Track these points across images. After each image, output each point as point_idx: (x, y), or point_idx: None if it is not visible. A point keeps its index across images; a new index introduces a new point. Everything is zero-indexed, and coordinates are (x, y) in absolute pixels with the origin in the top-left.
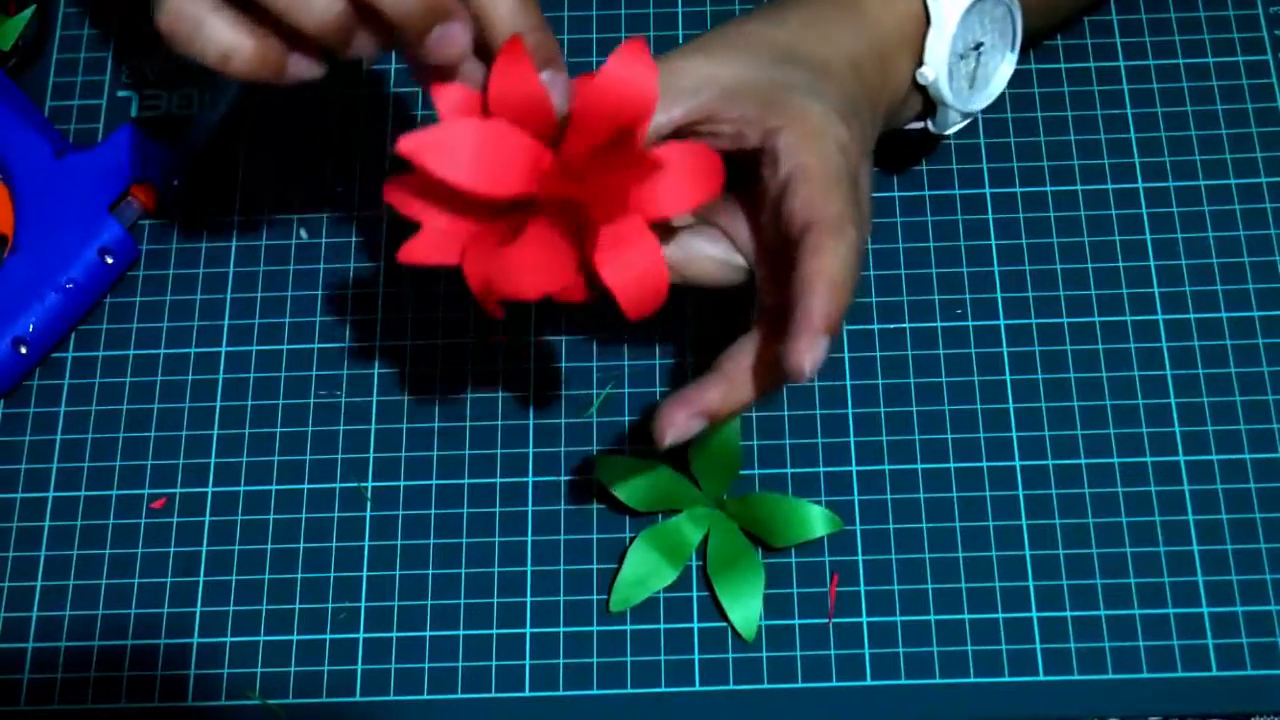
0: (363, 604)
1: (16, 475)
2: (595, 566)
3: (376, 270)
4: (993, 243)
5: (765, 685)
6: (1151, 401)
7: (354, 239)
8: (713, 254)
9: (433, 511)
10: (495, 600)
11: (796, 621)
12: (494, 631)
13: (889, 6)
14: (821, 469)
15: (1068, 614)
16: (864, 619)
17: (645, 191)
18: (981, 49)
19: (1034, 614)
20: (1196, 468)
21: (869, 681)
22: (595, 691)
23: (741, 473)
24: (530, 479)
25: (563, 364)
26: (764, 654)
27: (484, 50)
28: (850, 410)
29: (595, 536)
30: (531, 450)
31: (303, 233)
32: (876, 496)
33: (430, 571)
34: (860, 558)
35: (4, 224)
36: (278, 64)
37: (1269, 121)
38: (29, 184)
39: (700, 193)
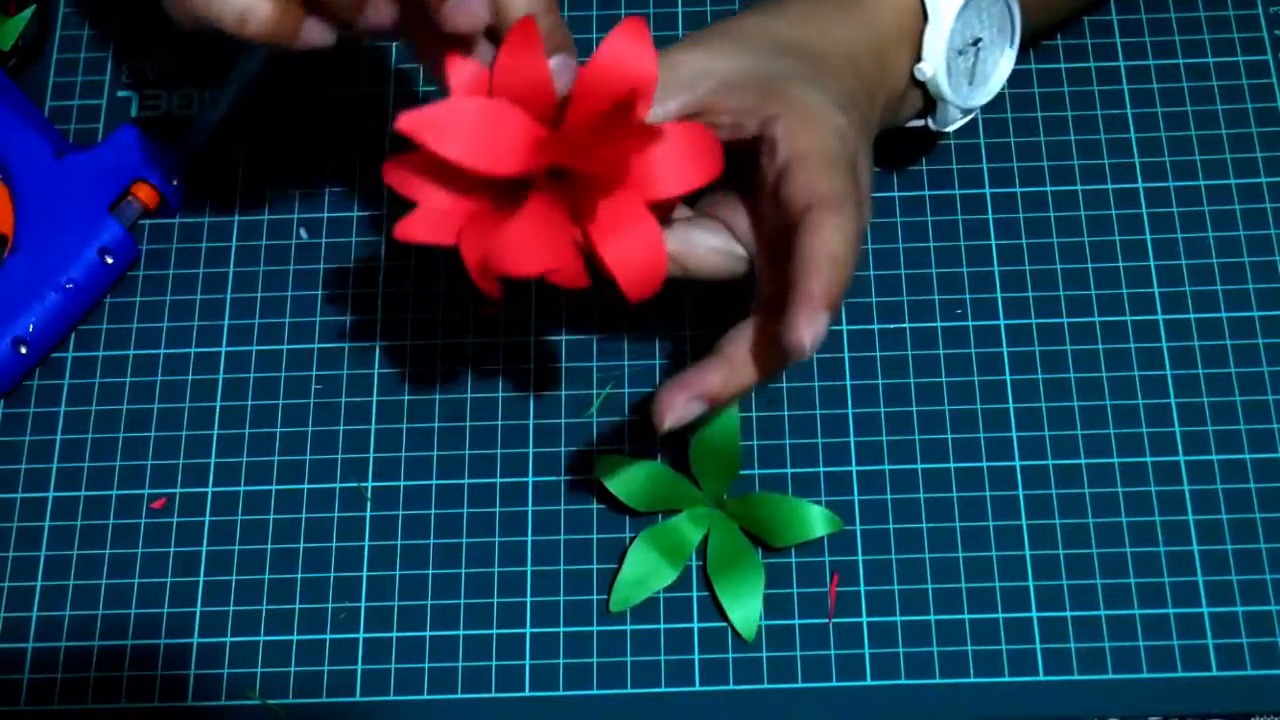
0: (363, 604)
1: (16, 475)
2: (595, 566)
3: (376, 270)
4: (993, 243)
5: (765, 685)
6: (1151, 401)
7: (354, 239)
8: (713, 244)
9: (433, 511)
10: (495, 600)
11: (796, 621)
12: (494, 631)
13: (886, 2)
14: (821, 469)
15: (1068, 614)
16: (864, 619)
17: (645, 172)
18: (980, 45)
19: (1034, 614)
20: (1196, 468)
21: (869, 681)
22: (595, 691)
23: (741, 473)
24: (530, 479)
25: (563, 364)
26: (764, 654)
27: (497, 35)
28: (850, 410)
29: (595, 536)
30: (531, 450)
31: (303, 233)
32: (876, 496)
33: (430, 571)
34: (860, 558)
35: (4, 224)
36: (293, 28)
37: (1269, 121)
38: (29, 184)
39: (700, 174)
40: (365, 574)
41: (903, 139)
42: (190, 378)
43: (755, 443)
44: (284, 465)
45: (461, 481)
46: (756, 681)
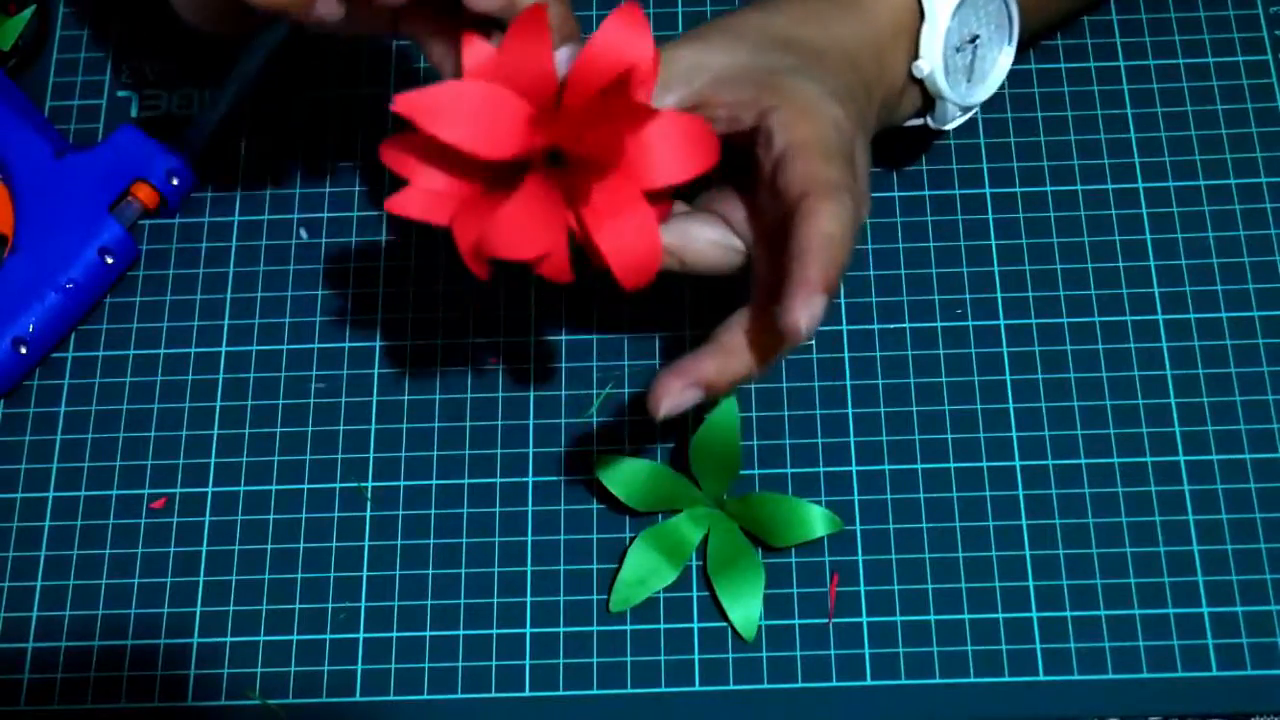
0: (363, 604)
1: (16, 475)
2: (595, 566)
3: (376, 270)
4: (993, 243)
5: (765, 685)
6: (1151, 401)
7: (354, 239)
8: (711, 237)
9: (433, 511)
10: (495, 600)
11: (796, 621)
12: (494, 631)
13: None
14: (821, 469)
15: (1068, 614)
16: (864, 619)
17: (641, 161)
18: (978, 42)
19: (1034, 614)
20: (1196, 468)
21: (869, 681)
22: (595, 691)
23: (741, 473)
24: (530, 479)
25: (563, 364)
26: (764, 654)
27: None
28: (850, 410)
29: (595, 536)
30: (531, 450)
31: (303, 233)
32: (876, 496)
33: (430, 571)
34: (860, 558)
35: (4, 224)
36: None
37: (1269, 121)
38: (29, 184)
39: (697, 162)
40: (365, 574)
41: (902, 138)
42: (190, 378)
43: (755, 443)
44: (284, 465)
45: (461, 481)
46: (756, 681)
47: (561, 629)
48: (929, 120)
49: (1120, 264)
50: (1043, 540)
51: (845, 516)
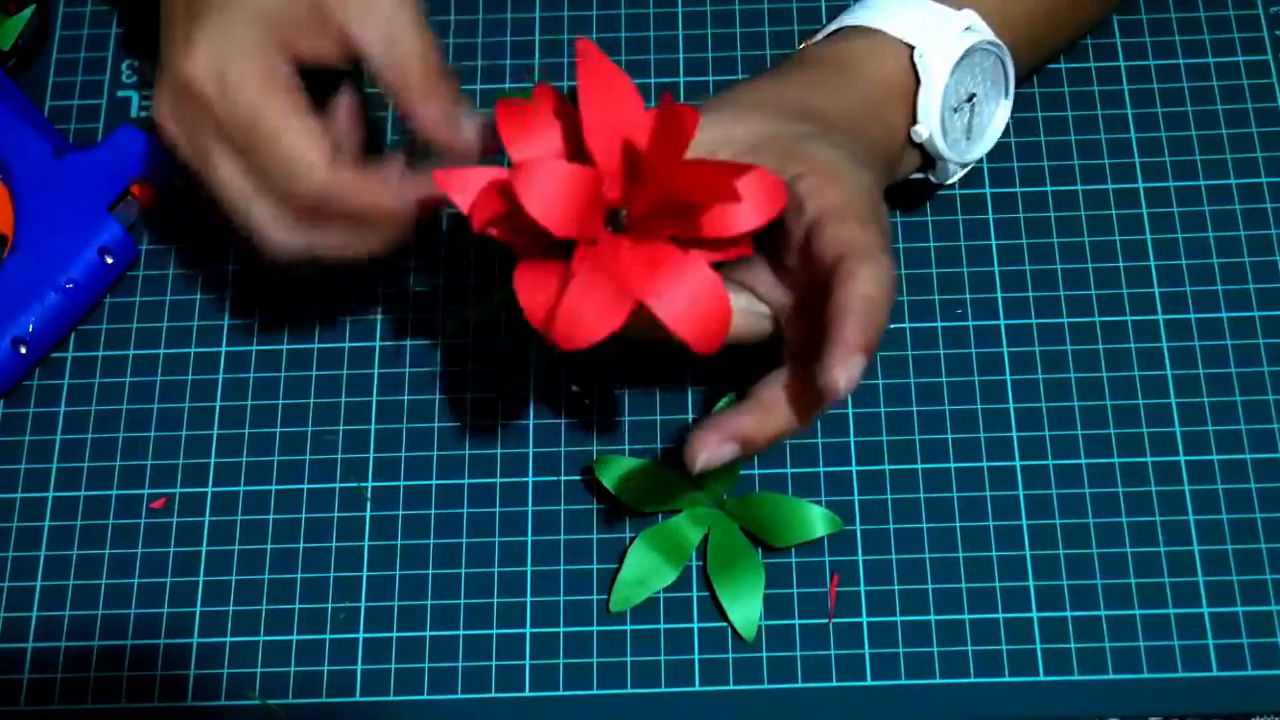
0: (363, 604)
1: (16, 475)
2: (595, 566)
3: (377, 270)
4: (993, 243)
5: (765, 685)
6: (1152, 401)
7: None
8: (739, 305)
9: (433, 511)
10: (495, 600)
11: (796, 621)
12: (494, 631)
13: (879, 64)
14: (821, 469)
15: (1068, 614)
16: (864, 619)
17: (718, 214)
18: (975, 99)
19: (1034, 614)
20: (1197, 468)
21: (869, 681)
22: (595, 691)
23: (741, 473)
24: (530, 479)
25: (557, 356)
26: (764, 654)
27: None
28: (850, 410)
29: (595, 536)
30: (531, 450)
31: None
32: (876, 496)
33: (430, 571)
34: (860, 558)
35: (4, 224)
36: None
37: (1269, 121)
38: (29, 184)
39: (772, 205)
40: (365, 574)
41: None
42: (190, 378)
43: None
44: (284, 465)
45: (461, 481)
46: (756, 681)
47: (561, 629)
48: (930, 177)
49: (1120, 264)
50: (1043, 540)
51: (845, 516)
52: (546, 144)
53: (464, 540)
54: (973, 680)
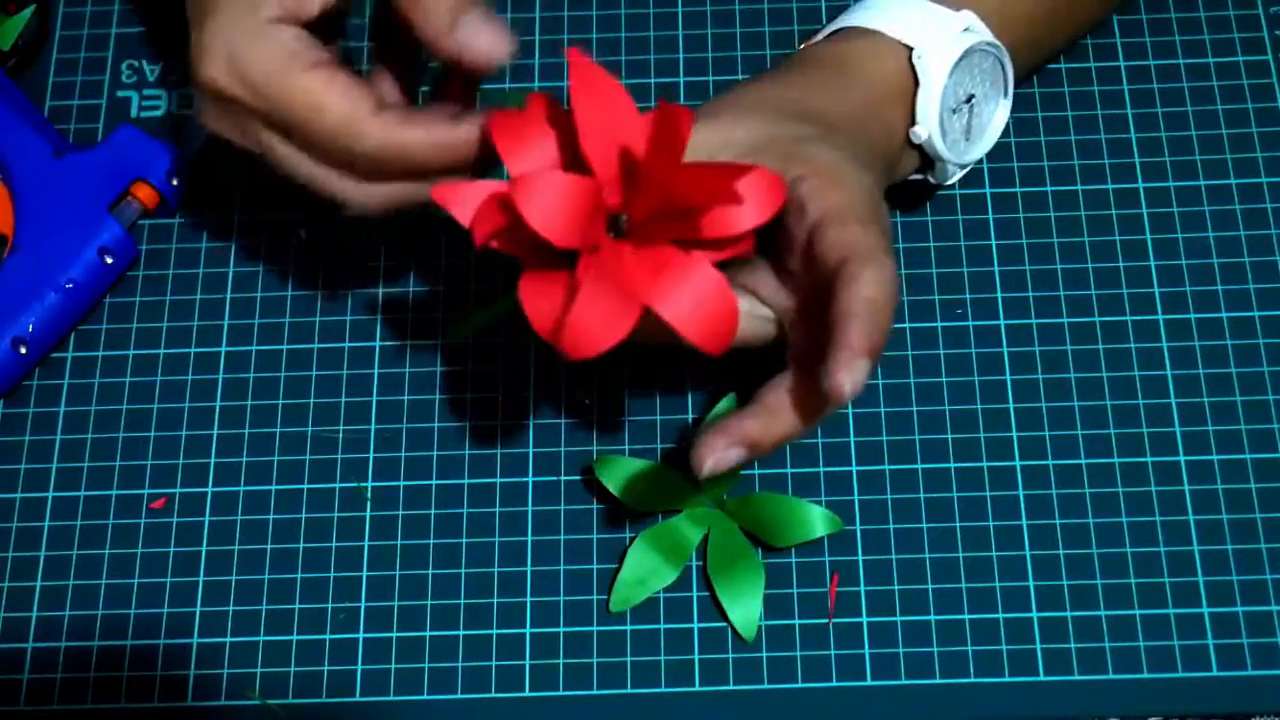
0: (363, 604)
1: (16, 475)
2: (595, 566)
3: (377, 270)
4: (993, 243)
5: (765, 685)
6: (1152, 401)
7: (354, 239)
8: (740, 308)
9: (433, 511)
10: (495, 600)
11: (796, 621)
12: (494, 631)
13: (878, 65)
14: (821, 469)
15: (1068, 614)
16: (864, 619)
17: (718, 215)
18: (973, 100)
19: (1034, 614)
20: (1197, 468)
21: (869, 681)
22: (595, 691)
23: (741, 473)
24: (530, 479)
25: (563, 364)
26: (764, 654)
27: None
28: (850, 410)
29: (595, 536)
30: (531, 450)
31: (303, 233)
32: (876, 496)
33: (430, 571)
34: (860, 558)
35: (4, 224)
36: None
37: (1269, 121)
38: (29, 184)
39: (771, 203)
40: (365, 574)
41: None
42: (190, 378)
43: None
44: (284, 465)
45: (461, 481)
46: (756, 681)
47: (561, 629)
48: (929, 178)
49: (1120, 264)
50: (1043, 540)
51: (845, 516)
52: (543, 153)
53: (464, 540)
54: (973, 680)
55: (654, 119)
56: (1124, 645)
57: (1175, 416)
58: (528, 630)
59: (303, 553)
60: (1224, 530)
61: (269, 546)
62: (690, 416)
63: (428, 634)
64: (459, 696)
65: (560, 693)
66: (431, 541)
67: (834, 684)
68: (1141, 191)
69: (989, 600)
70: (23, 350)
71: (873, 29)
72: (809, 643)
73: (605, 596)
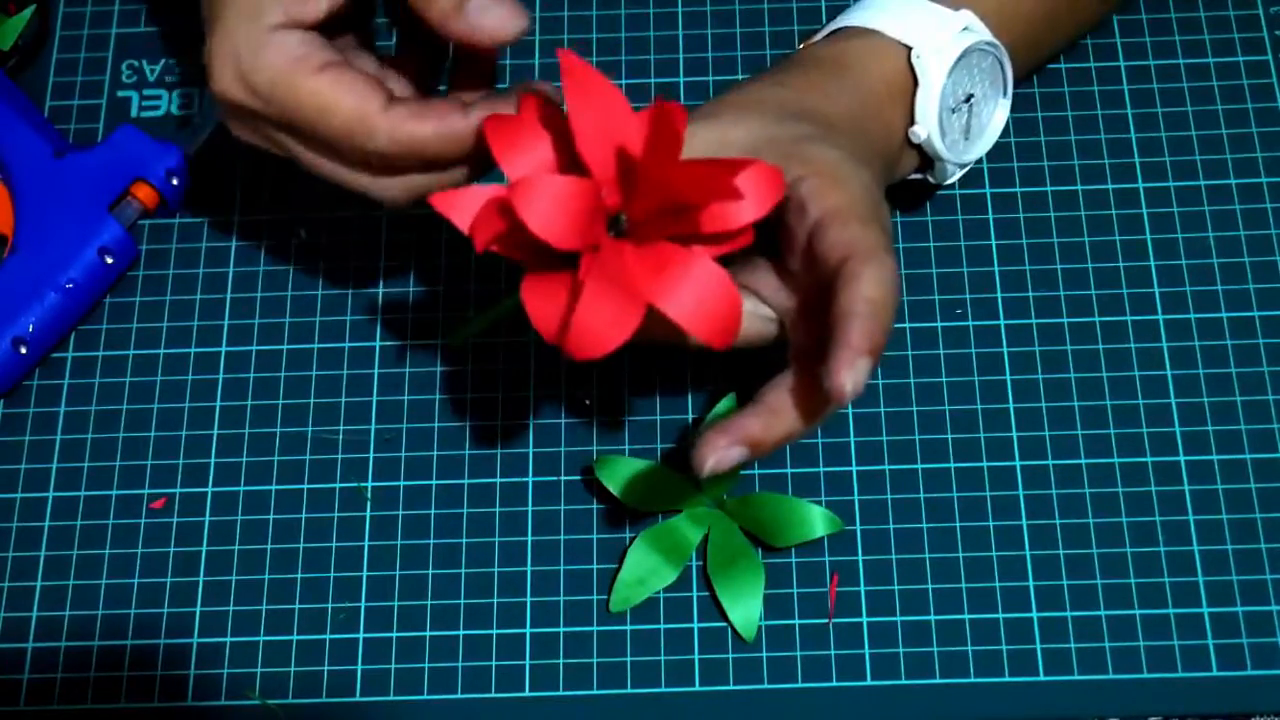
0: (363, 604)
1: (16, 475)
2: (595, 566)
3: (376, 270)
4: (993, 243)
5: (765, 685)
6: (1152, 401)
7: (354, 239)
8: (744, 308)
9: (433, 511)
10: (495, 600)
11: (796, 621)
12: (494, 631)
13: (878, 64)
14: (821, 469)
15: (1068, 614)
16: (864, 619)
17: (717, 210)
18: (973, 100)
19: (1034, 614)
20: (1197, 468)
21: (869, 681)
22: (595, 691)
23: (741, 473)
24: (530, 479)
25: (563, 365)
26: (764, 654)
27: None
28: (850, 410)
29: (595, 536)
30: (531, 450)
31: (303, 233)
32: (876, 496)
33: (430, 571)
34: (860, 558)
35: (4, 224)
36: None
37: (1269, 121)
38: (29, 184)
39: (770, 196)
40: (365, 574)
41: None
42: (190, 378)
43: None
44: (284, 465)
45: (461, 481)
46: (756, 681)
47: (561, 629)
48: (929, 177)
49: (1120, 264)
50: (1043, 540)
51: (845, 516)
52: (539, 155)
53: (464, 540)
54: (973, 680)
55: (649, 117)
56: (1124, 645)
57: (1175, 416)
58: (528, 630)
59: (303, 553)
60: (1224, 530)
61: (269, 546)
62: (690, 416)
63: (428, 634)
64: (459, 696)
65: (560, 693)
66: (431, 541)
67: (834, 684)
68: (1141, 191)
69: (989, 600)
70: (23, 350)
71: (872, 28)
72: (809, 643)
73: (605, 596)
